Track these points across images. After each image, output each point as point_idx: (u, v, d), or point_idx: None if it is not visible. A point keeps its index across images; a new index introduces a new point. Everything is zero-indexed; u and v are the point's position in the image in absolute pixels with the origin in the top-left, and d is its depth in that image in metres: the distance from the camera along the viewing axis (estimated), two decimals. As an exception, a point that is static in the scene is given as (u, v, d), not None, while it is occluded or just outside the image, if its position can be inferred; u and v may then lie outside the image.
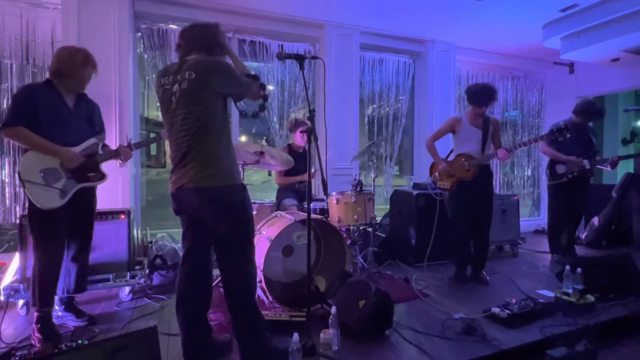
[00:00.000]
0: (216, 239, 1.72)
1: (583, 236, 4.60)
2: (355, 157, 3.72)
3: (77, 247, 2.28)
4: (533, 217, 5.92)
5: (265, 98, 1.90)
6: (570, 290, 2.50)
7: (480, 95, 3.01)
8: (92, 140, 2.25)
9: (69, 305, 2.35)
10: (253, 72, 1.87)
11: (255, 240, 2.35)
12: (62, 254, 2.16)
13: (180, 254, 3.21)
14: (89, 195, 2.29)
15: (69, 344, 1.40)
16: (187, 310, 1.80)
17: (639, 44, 3.89)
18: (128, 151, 2.41)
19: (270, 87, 4.19)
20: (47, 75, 2.16)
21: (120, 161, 2.41)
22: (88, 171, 2.21)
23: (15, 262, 2.57)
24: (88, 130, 2.26)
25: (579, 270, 2.54)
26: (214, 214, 1.69)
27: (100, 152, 2.29)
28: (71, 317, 2.31)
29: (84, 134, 2.22)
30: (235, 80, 1.73)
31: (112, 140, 3.15)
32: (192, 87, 1.64)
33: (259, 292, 2.45)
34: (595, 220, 4.59)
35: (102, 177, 2.30)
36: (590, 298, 2.45)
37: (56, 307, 2.29)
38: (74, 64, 2.12)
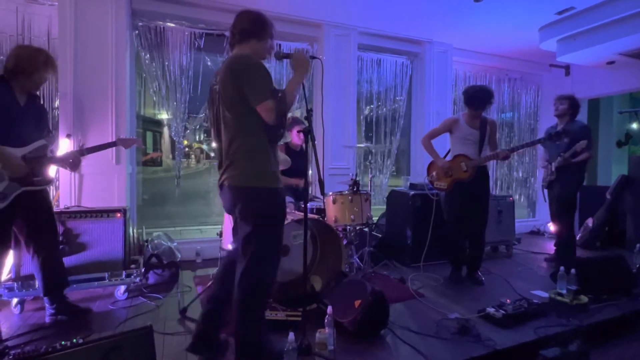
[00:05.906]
0: (242, 236, 1.73)
1: (577, 237, 4.64)
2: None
3: (39, 248, 2.21)
4: (528, 218, 5.95)
5: (281, 125, 1.69)
6: (564, 291, 2.53)
7: (477, 99, 3.01)
8: (41, 142, 2.14)
9: (62, 305, 2.31)
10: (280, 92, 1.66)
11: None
12: (6, 254, 2.13)
13: (176, 252, 3.26)
14: (38, 196, 2.18)
15: (63, 342, 1.40)
16: (210, 305, 1.84)
17: (634, 47, 3.92)
18: (77, 157, 2.30)
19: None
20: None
21: (68, 168, 2.32)
22: (33, 175, 2.10)
23: (9, 260, 2.55)
24: (37, 131, 2.15)
25: (573, 271, 2.56)
26: (240, 213, 1.73)
27: (49, 155, 2.19)
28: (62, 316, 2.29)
29: (32, 135, 2.11)
30: (250, 79, 1.61)
31: (108, 138, 3.11)
32: (220, 87, 1.69)
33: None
34: (590, 222, 4.63)
35: (48, 181, 2.20)
36: (584, 299, 2.48)
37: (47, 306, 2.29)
38: (35, 64, 2.06)
